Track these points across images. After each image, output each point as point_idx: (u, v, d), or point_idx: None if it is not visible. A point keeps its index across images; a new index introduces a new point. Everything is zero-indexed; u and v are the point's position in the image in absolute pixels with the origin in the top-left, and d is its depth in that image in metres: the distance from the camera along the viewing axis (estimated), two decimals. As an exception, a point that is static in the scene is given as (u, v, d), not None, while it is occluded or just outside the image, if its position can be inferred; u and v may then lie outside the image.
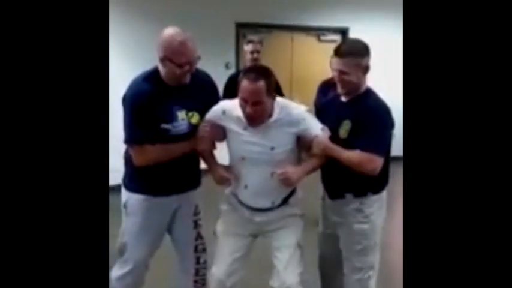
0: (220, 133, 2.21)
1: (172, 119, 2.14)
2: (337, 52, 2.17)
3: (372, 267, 2.31)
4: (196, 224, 2.40)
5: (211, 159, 2.29)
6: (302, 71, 6.62)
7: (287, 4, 6.30)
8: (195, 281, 2.41)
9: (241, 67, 5.47)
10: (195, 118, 2.20)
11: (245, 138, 2.13)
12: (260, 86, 1.99)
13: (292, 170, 2.12)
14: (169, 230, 2.39)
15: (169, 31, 2.07)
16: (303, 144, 2.20)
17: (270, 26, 6.41)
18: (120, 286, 2.29)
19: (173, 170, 2.22)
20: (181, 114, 2.16)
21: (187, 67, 2.08)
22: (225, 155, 2.29)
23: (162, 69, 2.13)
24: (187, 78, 2.15)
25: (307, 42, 6.75)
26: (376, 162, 2.11)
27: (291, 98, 3.11)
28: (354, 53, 2.14)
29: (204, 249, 2.41)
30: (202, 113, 2.21)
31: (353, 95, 2.22)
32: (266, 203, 2.20)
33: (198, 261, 2.40)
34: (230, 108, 2.17)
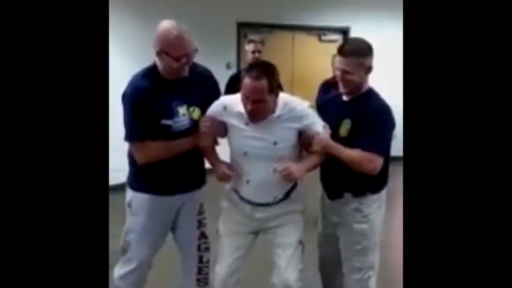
0: (222, 129, 2.21)
1: (172, 114, 2.13)
2: (341, 51, 2.17)
3: (371, 267, 2.31)
4: (200, 224, 2.39)
5: (213, 155, 2.28)
6: (303, 71, 6.62)
7: (288, 4, 6.30)
8: (198, 280, 2.41)
9: (242, 67, 5.47)
10: (196, 113, 2.20)
11: (247, 134, 2.13)
12: (262, 84, 1.99)
13: (295, 166, 2.12)
14: (173, 229, 2.39)
15: (165, 24, 2.07)
16: (303, 140, 2.19)
17: (271, 25, 6.41)
18: (123, 285, 2.29)
19: (177, 169, 2.21)
20: (182, 110, 2.15)
21: (184, 60, 2.07)
22: (226, 150, 2.28)
23: (159, 64, 2.13)
24: (186, 72, 2.14)
25: (308, 42, 6.75)
26: (376, 161, 2.11)
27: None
28: (357, 53, 2.14)
29: (207, 249, 2.41)
30: (204, 109, 2.20)
31: (355, 94, 2.22)
32: (268, 198, 2.20)
33: (200, 260, 2.40)
34: (231, 103, 2.17)
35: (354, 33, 6.46)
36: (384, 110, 2.18)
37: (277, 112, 2.11)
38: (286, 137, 2.13)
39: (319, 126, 2.16)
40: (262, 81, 1.99)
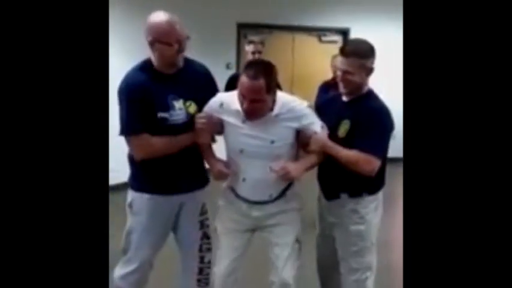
0: (218, 125, 2.19)
1: (168, 107, 2.12)
2: (343, 51, 2.17)
3: (369, 268, 2.30)
4: (202, 224, 2.38)
5: (209, 153, 2.26)
6: (303, 72, 6.63)
7: (288, 4, 6.31)
8: (198, 280, 2.40)
9: (242, 68, 5.47)
10: (192, 108, 2.19)
11: (244, 131, 2.11)
12: (259, 84, 1.97)
13: (292, 166, 2.11)
14: (174, 229, 2.39)
15: (155, 15, 2.09)
16: (301, 140, 2.19)
17: (271, 26, 6.41)
18: (124, 285, 2.28)
19: (177, 168, 2.21)
20: (178, 104, 2.15)
21: (176, 46, 2.07)
22: (222, 148, 2.27)
23: (153, 56, 2.13)
24: (180, 61, 2.14)
25: (308, 42, 6.76)
26: (373, 163, 2.11)
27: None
28: (359, 54, 2.14)
29: (209, 249, 2.39)
30: (200, 104, 2.20)
31: (354, 95, 2.22)
32: (263, 196, 2.19)
33: (202, 261, 2.39)
34: (228, 101, 2.16)
35: (353, 34, 6.47)
36: (383, 112, 2.18)
37: (276, 111, 2.09)
38: (283, 135, 2.12)
39: (317, 126, 2.15)
40: (260, 81, 1.97)
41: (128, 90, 2.09)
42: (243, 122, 2.11)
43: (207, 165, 2.32)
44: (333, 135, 2.17)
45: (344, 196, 2.25)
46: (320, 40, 6.77)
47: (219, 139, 2.29)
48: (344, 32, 6.72)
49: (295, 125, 2.13)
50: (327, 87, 3.81)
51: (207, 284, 2.41)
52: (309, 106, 2.22)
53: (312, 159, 2.19)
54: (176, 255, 2.46)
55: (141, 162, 2.16)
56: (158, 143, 2.12)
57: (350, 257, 2.29)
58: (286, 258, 2.18)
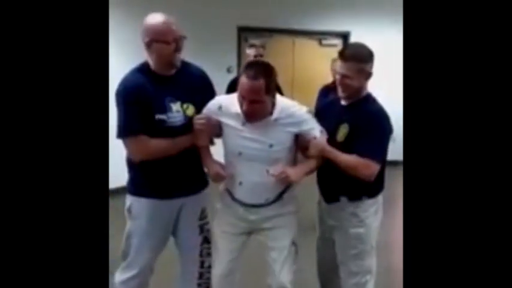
0: (217, 127, 2.19)
1: (166, 109, 2.12)
2: (342, 55, 2.17)
3: (369, 271, 2.30)
4: (202, 229, 2.38)
5: (207, 155, 2.26)
6: (303, 75, 6.63)
7: (289, 8, 6.32)
8: (199, 284, 2.39)
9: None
10: (190, 110, 2.19)
11: (243, 134, 2.11)
12: (259, 84, 1.97)
13: (292, 170, 2.10)
14: (174, 234, 2.38)
15: (151, 16, 2.10)
16: (300, 144, 2.19)
17: (271, 30, 6.42)
18: None
19: (176, 172, 2.21)
20: (175, 106, 2.15)
21: (174, 45, 2.08)
22: (219, 151, 2.27)
23: (150, 58, 2.14)
24: (178, 61, 2.15)
25: (308, 46, 6.77)
26: (372, 168, 2.11)
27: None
28: (357, 58, 2.14)
29: (209, 254, 2.38)
30: (197, 106, 2.20)
31: (353, 99, 2.22)
32: (260, 200, 2.19)
33: (202, 265, 2.38)
34: (227, 103, 2.16)
35: (354, 38, 6.47)
36: (381, 116, 2.17)
37: (275, 115, 2.09)
38: (282, 140, 2.12)
39: (316, 131, 2.15)
40: (260, 81, 1.97)
41: (125, 92, 2.09)
42: (243, 124, 2.11)
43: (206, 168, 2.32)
44: (331, 140, 2.17)
45: (344, 199, 2.25)
46: (320, 44, 6.77)
47: (218, 142, 2.29)
48: (344, 36, 6.72)
49: (295, 130, 2.13)
50: (327, 90, 3.80)
51: None
52: (309, 111, 2.22)
53: (311, 163, 2.19)
54: (176, 259, 2.46)
55: (140, 166, 2.16)
56: (156, 145, 2.11)
57: (350, 261, 2.29)
58: (283, 262, 2.19)
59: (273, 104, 2.10)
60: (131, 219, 2.26)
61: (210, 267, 2.36)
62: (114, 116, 2.01)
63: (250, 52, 3.83)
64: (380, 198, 2.32)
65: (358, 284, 2.30)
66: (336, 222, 2.32)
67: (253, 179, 2.14)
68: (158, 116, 2.10)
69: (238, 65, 6.26)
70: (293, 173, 2.09)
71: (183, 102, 2.17)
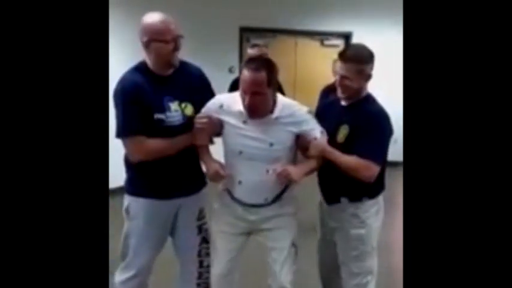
0: (218, 126, 2.18)
1: (164, 109, 2.12)
2: (342, 56, 2.17)
3: (370, 272, 2.30)
4: (200, 229, 2.38)
5: (206, 154, 2.25)
6: (305, 75, 6.63)
7: (290, 8, 6.31)
8: (198, 284, 2.39)
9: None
10: (188, 109, 2.19)
11: (244, 132, 2.11)
12: (261, 76, 1.97)
13: (293, 169, 2.09)
14: (172, 234, 2.38)
15: (148, 16, 2.09)
16: (300, 144, 2.19)
17: (273, 30, 6.42)
18: None
19: (174, 172, 2.21)
20: (173, 105, 2.14)
21: (172, 44, 2.08)
22: (218, 151, 2.27)
23: (149, 57, 2.13)
24: (176, 60, 2.15)
25: (310, 46, 6.77)
26: (372, 169, 2.10)
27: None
28: (357, 59, 2.14)
29: (208, 254, 2.39)
30: (196, 105, 2.20)
31: (353, 100, 2.22)
32: (259, 200, 2.18)
33: (201, 265, 2.39)
34: (228, 102, 2.16)
35: (356, 38, 6.47)
36: (381, 116, 2.17)
37: (276, 113, 2.09)
38: (282, 139, 2.12)
39: (317, 132, 2.15)
40: (262, 73, 1.97)
41: (123, 91, 2.08)
42: (244, 123, 2.11)
43: (204, 168, 2.32)
44: (332, 141, 2.17)
45: (344, 200, 2.25)
46: (322, 44, 6.77)
47: (217, 142, 2.29)
48: (346, 36, 6.72)
49: (295, 130, 2.13)
50: (329, 91, 3.79)
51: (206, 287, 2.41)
52: (309, 112, 2.22)
53: (311, 164, 2.19)
54: (175, 259, 2.46)
55: (138, 166, 2.16)
56: (155, 144, 2.11)
57: (351, 262, 2.29)
58: (283, 263, 2.19)
59: (274, 102, 2.11)
60: (129, 219, 2.26)
61: (209, 266, 2.36)
62: (111, 115, 2.01)
63: (252, 52, 3.82)
64: (381, 198, 2.31)
65: (359, 285, 2.29)
66: (336, 223, 2.32)
67: (253, 178, 2.13)
68: (157, 116, 2.10)
69: (240, 65, 6.26)
70: (293, 171, 2.08)
71: (181, 102, 2.17)
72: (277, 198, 2.22)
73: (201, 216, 2.38)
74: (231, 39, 6.19)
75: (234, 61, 6.15)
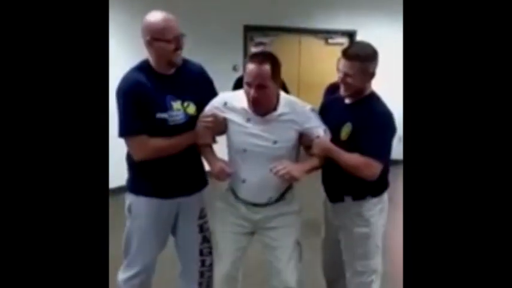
0: (223, 125, 2.17)
1: (167, 108, 2.12)
2: (345, 54, 2.16)
3: (374, 271, 2.29)
4: (201, 228, 2.38)
5: (210, 153, 2.24)
6: (309, 74, 6.63)
7: (295, 7, 6.30)
8: (200, 283, 2.40)
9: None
10: (191, 108, 2.19)
11: (248, 130, 2.10)
12: (265, 68, 1.97)
13: (294, 167, 2.07)
14: (174, 233, 2.39)
15: (151, 15, 2.09)
16: (304, 142, 2.18)
17: (277, 28, 6.41)
18: None
19: (176, 171, 2.21)
20: (176, 105, 2.14)
21: (174, 43, 2.08)
22: (221, 149, 2.27)
23: (151, 56, 2.13)
24: (178, 59, 2.14)
25: (314, 45, 6.75)
26: (375, 167, 2.09)
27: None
28: (361, 57, 2.12)
29: (210, 252, 2.39)
30: (198, 104, 2.20)
31: (356, 98, 2.21)
32: (263, 199, 2.18)
33: (203, 264, 2.39)
34: (232, 99, 2.16)
35: (360, 37, 6.45)
36: (385, 115, 2.15)
37: (279, 110, 2.09)
38: (286, 137, 2.11)
39: (320, 130, 2.15)
40: (266, 66, 1.97)
41: (125, 90, 2.08)
42: (248, 120, 2.10)
43: (206, 167, 2.30)
44: (335, 138, 2.16)
45: (348, 199, 2.24)
46: (327, 42, 6.75)
47: (220, 140, 2.28)
48: (350, 35, 6.69)
49: (299, 127, 2.12)
50: (333, 89, 3.78)
51: (208, 286, 2.41)
52: (313, 109, 2.21)
53: (314, 162, 2.17)
54: (177, 259, 2.46)
55: (140, 165, 2.16)
56: (157, 144, 2.11)
57: (355, 260, 2.29)
58: (287, 261, 2.18)
59: (277, 99, 2.10)
60: (131, 218, 2.26)
61: (211, 265, 2.37)
62: (115, 115, 2.01)
63: (257, 50, 3.81)
64: (385, 196, 2.31)
65: (364, 284, 2.29)
66: (341, 222, 2.32)
67: (257, 177, 2.13)
68: (159, 115, 2.10)
69: (244, 63, 6.25)
70: (295, 169, 2.06)
71: (183, 101, 2.17)
72: (281, 197, 2.21)
73: (202, 215, 2.38)
74: (235, 37, 6.18)
75: (238, 59, 6.15)
